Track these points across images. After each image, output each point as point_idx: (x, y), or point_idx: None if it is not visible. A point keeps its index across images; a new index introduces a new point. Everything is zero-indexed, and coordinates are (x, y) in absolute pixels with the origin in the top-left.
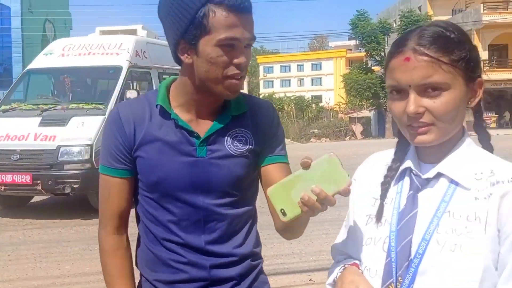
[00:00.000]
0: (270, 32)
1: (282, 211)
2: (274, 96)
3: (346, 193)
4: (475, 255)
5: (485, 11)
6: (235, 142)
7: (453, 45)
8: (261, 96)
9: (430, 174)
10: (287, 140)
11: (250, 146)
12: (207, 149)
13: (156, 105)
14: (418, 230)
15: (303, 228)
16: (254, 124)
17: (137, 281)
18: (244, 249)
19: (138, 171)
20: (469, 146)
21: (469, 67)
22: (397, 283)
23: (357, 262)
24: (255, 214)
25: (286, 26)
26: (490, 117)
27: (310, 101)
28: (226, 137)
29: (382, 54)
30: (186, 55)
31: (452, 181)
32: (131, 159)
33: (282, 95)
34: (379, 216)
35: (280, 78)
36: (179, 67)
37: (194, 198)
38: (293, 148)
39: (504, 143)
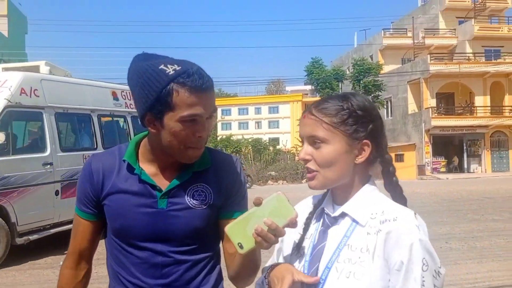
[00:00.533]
0: (229, 76)
1: (239, 244)
2: (231, 138)
3: (293, 224)
4: (364, 281)
5: (432, 61)
6: (195, 196)
7: (336, 111)
8: (218, 138)
9: (337, 213)
10: None
11: (210, 202)
12: (167, 202)
13: (124, 160)
14: (323, 260)
15: (253, 278)
16: (216, 180)
17: None
18: None
19: (106, 215)
20: (372, 191)
21: (347, 130)
22: None
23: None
24: (217, 257)
25: (244, 71)
26: (439, 162)
27: (268, 143)
28: (187, 191)
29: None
30: (152, 125)
31: (353, 220)
32: (98, 205)
33: (240, 137)
34: (298, 247)
35: (238, 121)
36: (87, 107)
37: (154, 245)
38: (250, 191)
39: (452, 187)
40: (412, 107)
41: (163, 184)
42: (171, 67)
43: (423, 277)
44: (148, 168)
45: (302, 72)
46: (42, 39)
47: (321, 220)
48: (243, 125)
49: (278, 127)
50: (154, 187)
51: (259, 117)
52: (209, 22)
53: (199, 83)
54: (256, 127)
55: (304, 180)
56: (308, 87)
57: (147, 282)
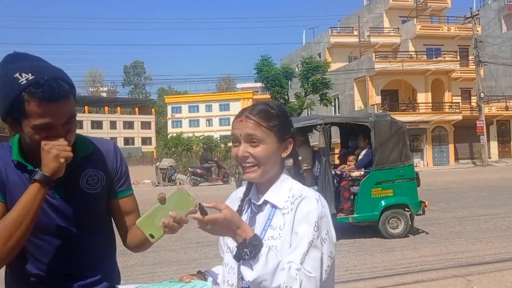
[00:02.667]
0: (178, 74)
1: (151, 235)
2: (182, 135)
3: (194, 212)
4: (283, 252)
5: (377, 59)
6: (89, 181)
7: (270, 117)
8: (169, 136)
9: (260, 201)
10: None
11: (102, 183)
12: (63, 190)
13: (13, 160)
14: None
15: (149, 246)
16: (102, 163)
17: None
18: (104, 270)
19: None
20: (283, 181)
21: (280, 132)
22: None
23: (202, 271)
24: (113, 236)
25: (194, 68)
26: None
27: (219, 140)
28: (80, 177)
29: (286, 97)
30: (14, 127)
31: (273, 205)
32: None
33: (190, 134)
34: None
35: (188, 118)
36: None
37: (58, 231)
38: (202, 189)
39: None
40: (358, 104)
41: None
42: (25, 76)
43: (313, 236)
44: (36, 162)
45: (252, 70)
46: None
47: (249, 208)
48: (193, 122)
49: (229, 125)
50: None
51: (210, 114)
52: (156, 19)
53: (48, 95)
54: (207, 124)
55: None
56: (259, 84)
57: (56, 266)
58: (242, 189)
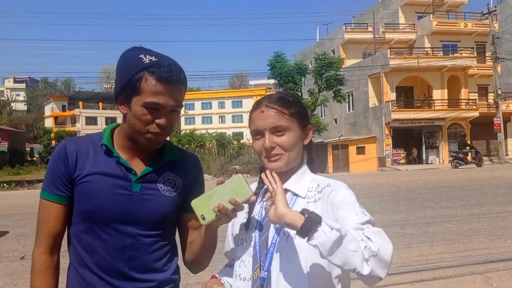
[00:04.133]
0: (192, 70)
1: (202, 216)
2: (195, 132)
3: (251, 201)
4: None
5: (392, 56)
6: (167, 183)
7: (290, 104)
8: (182, 133)
9: None
10: (208, 176)
11: (178, 190)
12: (141, 186)
13: (102, 145)
14: (272, 228)
15: (208, 261)
16: (183, 172)
17: None
18: (163, 276)
19: (75, 199)
20: (305, 172)
21: (301, 118)
22: (261, 266)
23: (216, 275)
24: (176, 247)
25: (207, 65)
26: (399, 154)
27: (231, 137)
28: (159, 178)
29: (299, 93)
30: (123, 106)
31: (294, 194)
32: (70, 188)
33: (203, 131)
34: (247, 224)
35: (201, 115)
36: None
37: (124, 228)
38: (215, 184)
39: (410, 177)
40: (372, 100)
41: (138, 169)
42: (149, 58)
43: (363, 213)
44: (123, 154)
45: (265, 66)
46: None
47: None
48: (206, 119)
49: (242, 121)
50: (130, 170)
51: (223, 111)
52: (170, 15)
53: (166, 75)
54: (220, 121)
55: None
56: (272, 81)
57: (114, 264)
58: (254, 184)
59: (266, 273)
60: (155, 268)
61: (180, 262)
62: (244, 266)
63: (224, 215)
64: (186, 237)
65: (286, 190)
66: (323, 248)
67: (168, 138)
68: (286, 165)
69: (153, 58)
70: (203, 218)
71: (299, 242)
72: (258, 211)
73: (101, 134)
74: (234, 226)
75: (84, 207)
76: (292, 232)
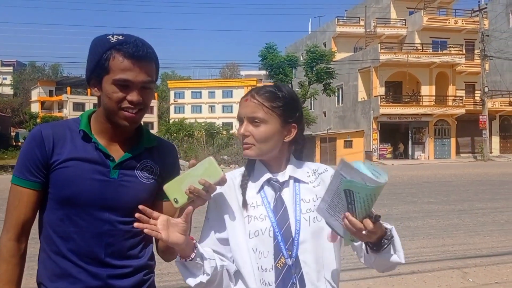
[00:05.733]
0: (182, 59)
1: (175, 199)
2: (184, 121)
3: (222, 182)
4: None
5: (382, 51)
6: (144, 170)
7: (274, 98)
8: (171, 121)
9: (285, 178)
10: None
11: (155, 177)
12: (119, 172)
13: (79, 130)
14: (291, 216)
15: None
16: (160, 160)
17: None
18: (138, 262)
19: (50, 184)
20: (295, 160)
21: (283, 114)
22: (288, 254)
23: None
24: (151, 238)
25: (198, 54)
26: (386, 148)
27: (221, 127)
28: (137, 165)
29: (289, 85)
30: (95, 89)
31: (296, 180)
32: (45, 173)
33: (192, 120)
34: (245, 205)
35: (191, 104)
36: None
37: (101, 214)
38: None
39: (395, 172)
40: (362, 94)
41: (116, 155)
42: (116, 37)
43: None
44: (101, 140)
45: (257, 57)
46: None
47: (264, 189)
48: (196, 108)
49: (231, 112)
50: (108, 156)
51: (213, 101)
52: (161, 1)
53: (133, 51)
54: (210, 111)
55: None
56: (263, 72)
57: (91, 250)
58: (234, 175)
59: (294, 259)
60: (132, 255)
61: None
62: (264, 257)
63: (198, 197)
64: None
65: (290, 177)
66: (398, 244)
67: (156, 127)
68: (256, 155)
69: (120, 37)
70: (176, 201)
71: (320, 226)
72: (262, 202)
73: (78, 119)
74: (228, 215)
75: (61, 193)
76: (312, 217)
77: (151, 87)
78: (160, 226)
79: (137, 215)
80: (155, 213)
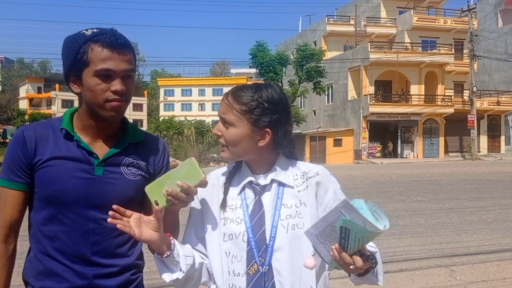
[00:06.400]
0: (172, 56)
1: (156, 202)
2: (174, 119)
3: (203, 184)
4: (305, 228)
5: (372, 49)
6: (130, 167)
7: (246, 101)
8: (161, 119)
9: (267, 181)
10: None
11: (141, 173)
12: (104, 170)
13: (61, 129)
14: (267, 222)
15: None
16: (147, 156)
17: None
18: (126, 261)
19: (35, 184)
20: (284, 161)
21: (254, 118)
22: (260, 262)
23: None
24: None
25: (188, 52)
26: (375, 147)
27: (211, 126)
28: (122, 161)
29: (279, 84)
30: (75, 85)
31: (280, 184)
32: (29, 174)
33: (182, 118)
34: (223, 205)
35: (181, 102)
36: None
37: (86, 212)
38: None
39: (384, 171)
40: (351, 93)
41: (100, 152)
42: (90, 30)
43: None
44: (84, 137)
45: (247, 55)
46: None
47: (245, 192)
48: (186, 106)
49: None
50: (91, 154)
51: (203, 99)
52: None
53: (111, 39)
54: (200, 109)
55: None
56: (253, 70)
57: (77, 249)
58: (220, 173)
59: (267, 267)
60: (119, 253)
61: (145, 248)
62: (237, 261)
63: (178, 200)
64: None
65: (272, 181)
66: (380, 269)
67: (146, 124)
68: (231, 158)
69: (95, 30)
70: (157, 204)
71: (299, 234)
72: (241, 205)
73: (61, 118)
74: (207, 216)
75: (46, 192)
76: (291, 224)
77: (132, 75)
78: (133, 223)
79: (110, 212)
80: (128, 212)
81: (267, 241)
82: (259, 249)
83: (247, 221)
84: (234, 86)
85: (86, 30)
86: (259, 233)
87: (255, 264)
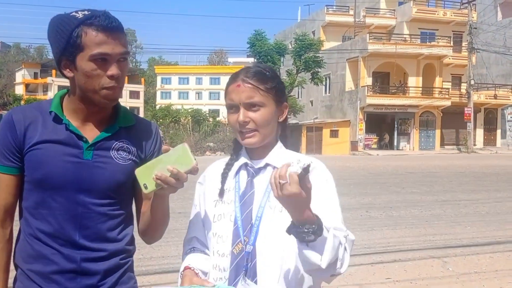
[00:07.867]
0: (170, 44)
1: (145, 185)
2: (171, 107)
3: (194, 171)
4: None
5: (371, 41)
6: (120, 151)
7: (267, 79)
8: (157, 107)
9: (261, 164)
10: None
11: (132, 158)
12: (93, 154)
13: (50, 112)
14: (256, 202)
15: (160, 233)
16: (139, 140)
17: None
18: (116, 246)
19: (25, 168)
20: (281, 147)
21: (277, 94)
22: (245, 241)
23: (190, 266)
24: (131, 217)
25: (186, 39)
26: (372, 138)
27: (207, 114)
28: (112, 145)
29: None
30: (68, 70)
31: (274, 168)
32: (20, 157)
33: (179, 107)
34: (221, 196)
35: (178, 90)
36: None
37: (75, 196)
38: None
39: (380, 162)
40: (349, 84)
41: (90, 136)
42: (81, 13)
43: (335, 196)
44: (74, 121)
45: (245, 44)
46: None
47: (239, 174)
48: (183, 94)
49: (219, 99)
50: (81, 138)
51: (200, 87)
52: None
53: (105, 23)
54: (197, 97)
55: None
56: (251, 59)
57: (65, 233)
58: (221, 160)
59: (252, 247)
60: (108, 238)
61: (136, 234)
62: (222, 242)
63: (167, 185)
64: (141, 206)
65: (266, 165)
66: (328, 246)
67: (143, 112)
68: (260, 141)
69: (86, 12)
70: (145, 187)
71: (286, 217)
72: (234, 187)
73: (50, 101)
74: (205, 200)
75: (35, 175)
76: (279, 206)
77: (127, 58)
78: None
79: None
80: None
81: (253, 221)
82: (244, 228)
83: (237, 201)
84: (235, 72)
85: (76, 12)
86: (246, 212)
87: (240, 243)
